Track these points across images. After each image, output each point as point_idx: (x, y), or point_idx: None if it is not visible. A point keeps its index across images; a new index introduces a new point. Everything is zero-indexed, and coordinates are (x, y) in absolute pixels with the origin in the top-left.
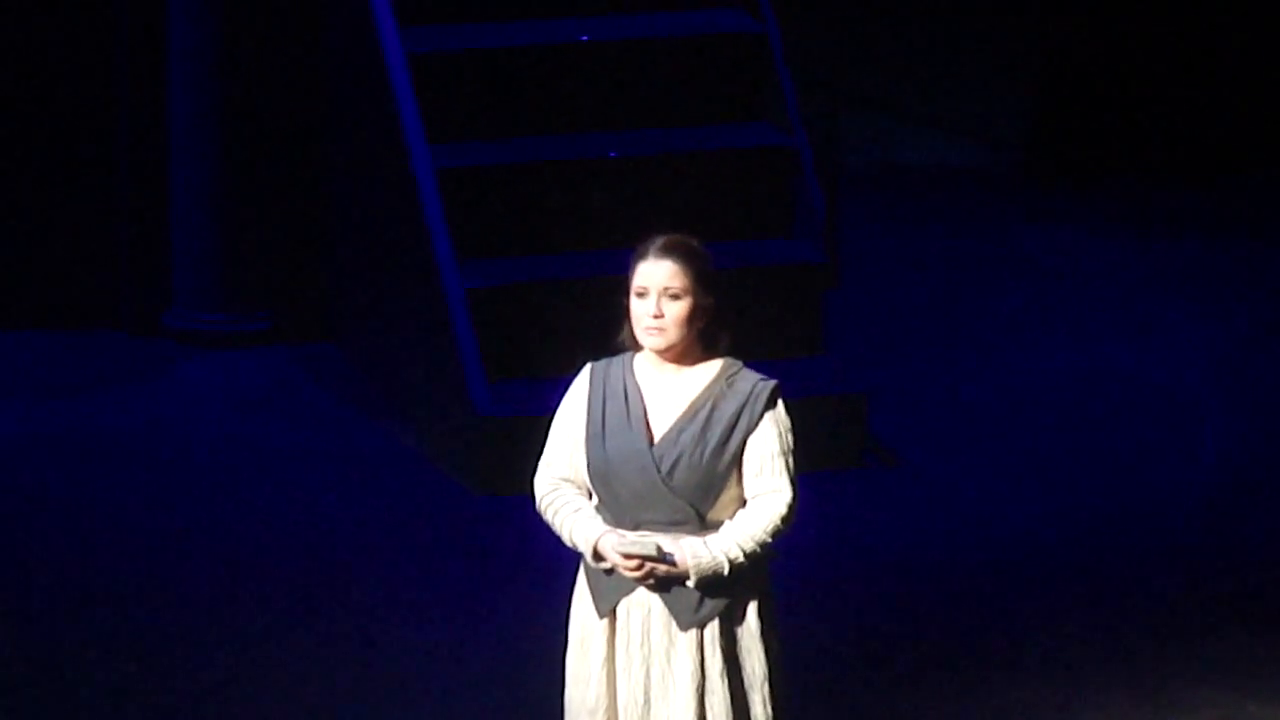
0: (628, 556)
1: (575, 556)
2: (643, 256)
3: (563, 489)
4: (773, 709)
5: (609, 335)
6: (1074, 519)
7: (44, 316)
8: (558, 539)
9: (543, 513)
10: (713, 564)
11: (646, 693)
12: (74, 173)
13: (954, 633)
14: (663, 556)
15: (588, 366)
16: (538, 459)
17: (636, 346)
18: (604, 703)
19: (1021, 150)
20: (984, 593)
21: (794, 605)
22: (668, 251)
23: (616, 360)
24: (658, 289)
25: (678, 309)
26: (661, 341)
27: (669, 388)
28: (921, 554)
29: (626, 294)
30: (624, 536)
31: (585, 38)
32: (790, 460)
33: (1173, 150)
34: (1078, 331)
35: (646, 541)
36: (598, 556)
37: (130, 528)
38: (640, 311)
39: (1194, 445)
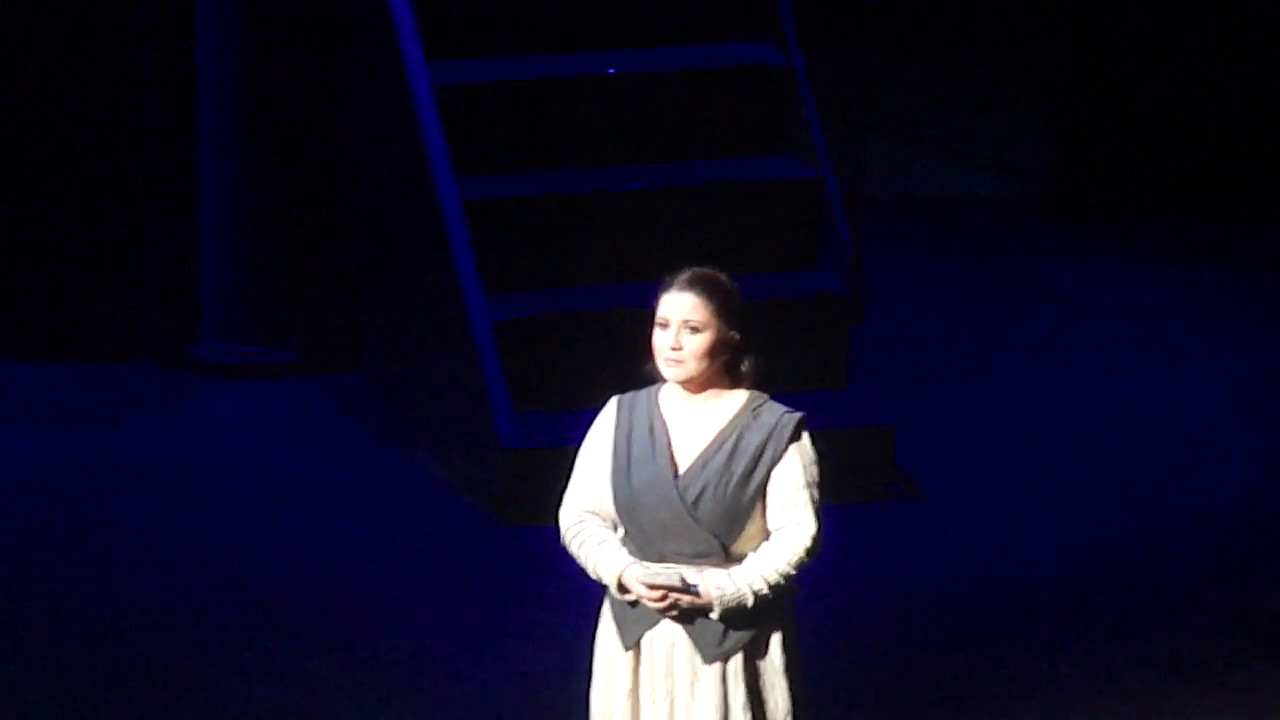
0: (652, 587)
1: (600, 589)
2: (667, 288)
3: (588, 521)
4: None
5: (634, 367)
6: (1099, 551)
7: (72, 348)
8: (583, 571)
9: (568, 545)
10: (736, 596)
11: None
12: (102, 204)
13: (980, 665)
14: (686, 587)
15: (614, 399)
16: (563, 491)
17: (663, 378)
18: None
19: (1045, 181)
20: (1010, 625)
21: (819, 637)
22: (690, 284)
23: (643, 393)
24: (678, 321)
25: (697, 342)
26: (680, 373)
27: (694, 419)
28: (947, 586)
29: (651, 325)
30: (649, 568)
31: (612, 70)
32: (815, 493)
33: (1196, 181)
34: (1102, 363)
35: (670, 573)
36: (622, 589)
37: (156, 559)
38: (661, 343)
39: (1217, 476)
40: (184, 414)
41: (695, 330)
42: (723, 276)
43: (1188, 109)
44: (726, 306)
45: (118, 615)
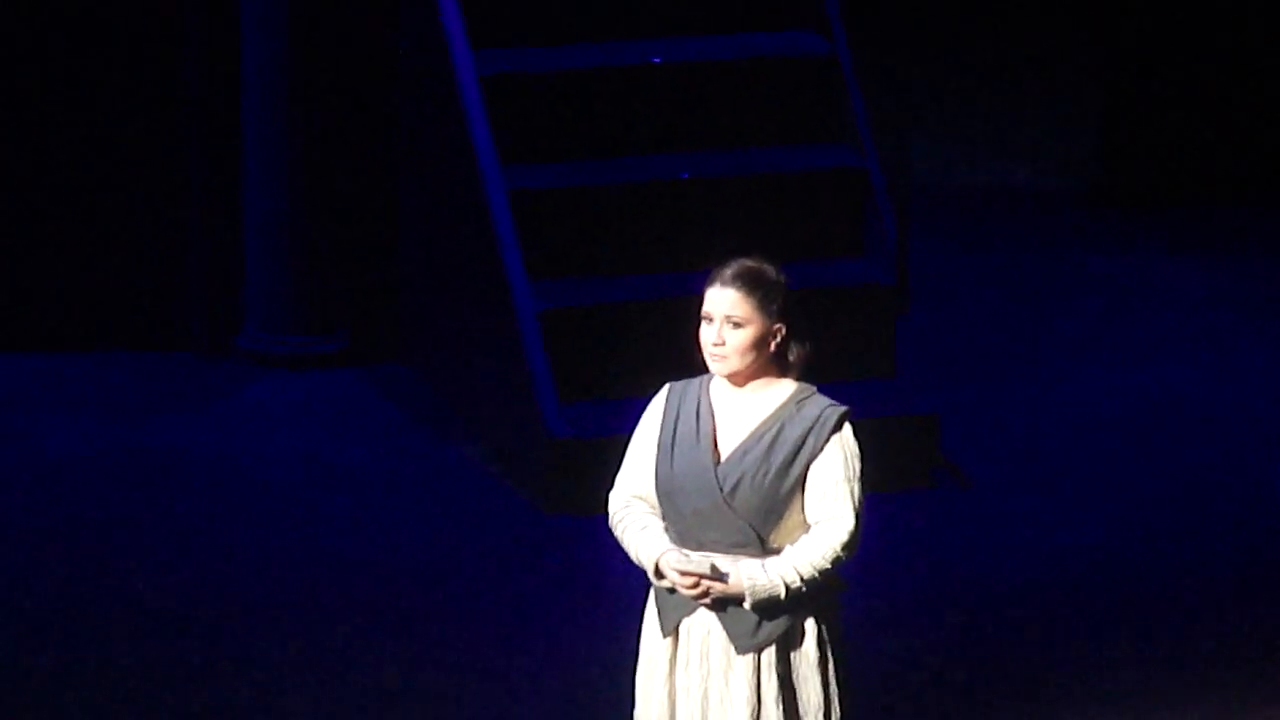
0: (684, 573)
1: (648, 577)
2: (712, 283)
3: (634, 507)
4: None
5: (681, 357)
6: (1146, 541)
7: (117, 338)
8: (628, 557)
9: (613, 529)
10: (769, 587)
11: (704, 713)
12: (147, 194)
13: (1026, 656)
14: (718, 575)
15: (666, 386)
16: (611, 480)
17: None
18: None
19: (1091, 171)
20: (1056, 615)
21: (864, 627)
22: (733, 280)
23: (695, 381)
24: (721, 316)
25: (739, 337)
26: (724, 368)
27: (740, 409)
28: (993, 576)
29: (699, 316)
30: (685, 555)
31: (657, 60)
32: (855, 488)
33: (1244, 171)
34: (1149, 353)
35: (703, 560)
36: (659, 574)
37: (203, 549)
38: (705, 337)
39: (1266, 467)
40: (230, 404)
41: (738, 325)
42: (768, 268)
43: (1234, 98)
44: (770, 300)
45: (164, 605)
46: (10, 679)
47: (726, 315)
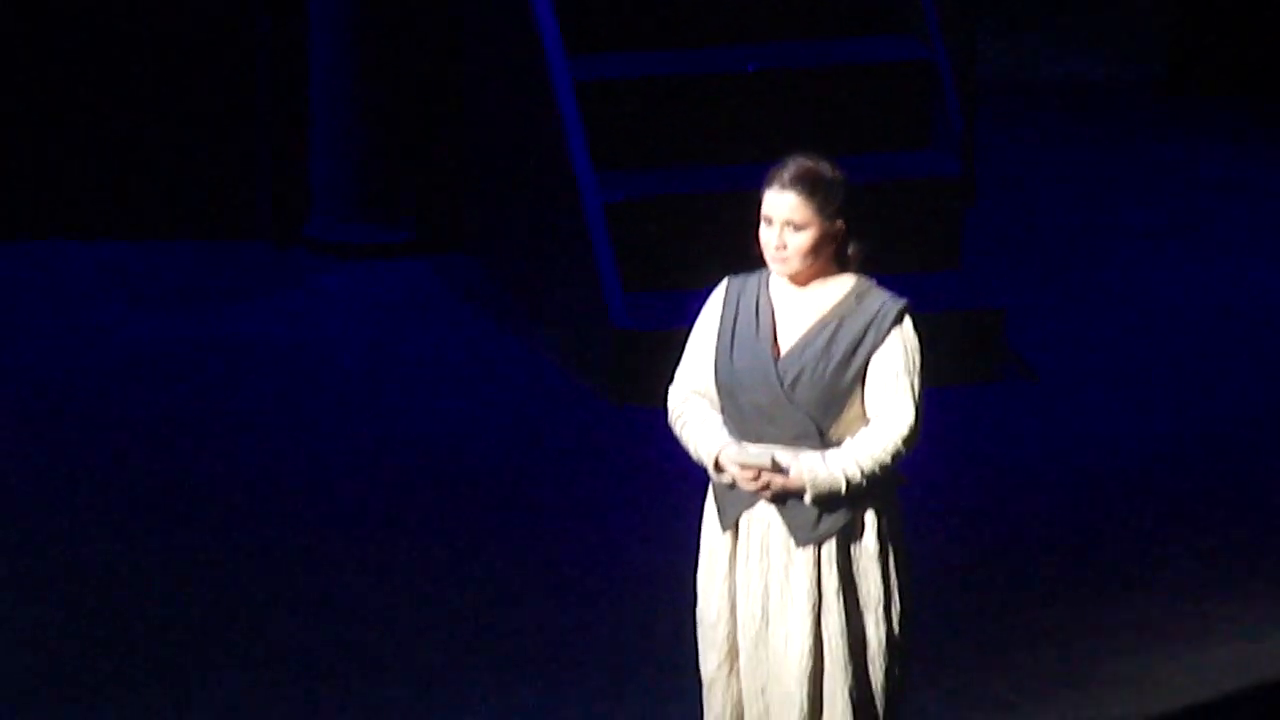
0: (744, 467)
1: (707, 471)
2: (770, 184)
3: (693, 402)
4: (886, 631)
5: (745, 249)
6: (1211, 435)
7: (186, 227)
8: (688, 451)
9: (673, 424)
10: (829, 480)
11: (764, 608)
12: (216, 84)
13: (1091, 548)
14: (778, 468)
15: (725, 280)
16: (673, 371)
17: None
18: (725, 616)
19: (1162, 63)
20: (1120, 508)
21: (928, 521)
22: (792, 184)
23: (755, 275)
24: (780, 220)
25: (800, 240)
26: (785, 270)
27: (800, 303)
28: (1056, 469)
29: (758, 215)
30: (744, 448)
31: None
32: (915, 381)
33: None
34: (1218, 247)
35: (763, 453)
36: (719, 468)
37: (269, 438)
38: (766, 239)
39: None
40: (296, 294)
41: (799, 229)
42: (825, 167)
43: None
44: (830, 200)
45: (235, 495)
46: (82, 567)
47: (787, 220)
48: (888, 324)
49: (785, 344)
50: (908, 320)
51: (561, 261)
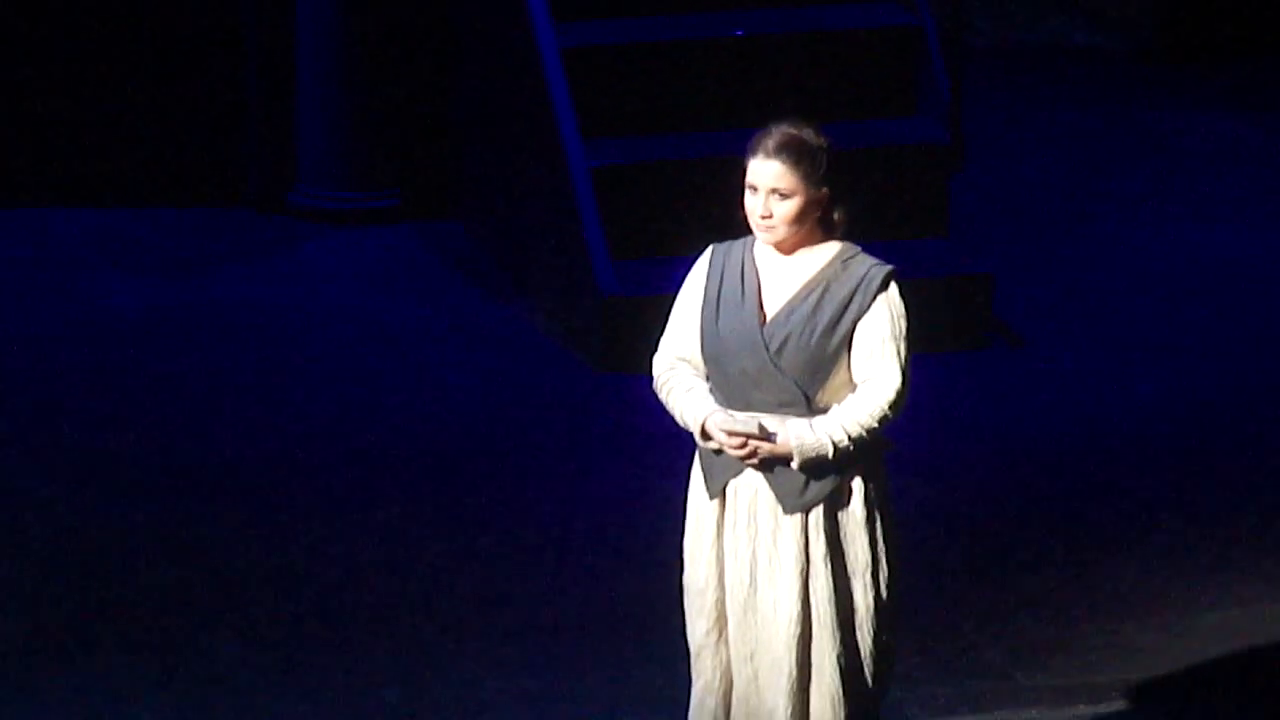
0: (731, 434)
1: (694, 436)
2: (754, 152)
3: (679, 369)
4: (874, 597)
5: (732, 215)
6: (1196, 405)
7: (171, 193)
8: (674, 418)
9: (658, 392)
10: (816, 446)
11: (753, 574)
12: (201, 51)
13: (1079, 514)
14: (765, 434)
15: (710, 247)
16: (659, 338)
17: None
18: (713, 583)
19: (1149, 29)
20: (1107, 475)
21: (914, 488)
22: (777, 152)
23: (739, 242)
24: (766, 188)
25: (786, 208)
26: (771, 237)
27: (785, 269)
28: (1043, 435)
29: (742, 181)
30: (731, 415)
31: None
32: (901, 346)
33: None
34: (1204, 213)
35: (750, 420)
36: (705, 435)
37: (253, 405)
38: (751, 207)
39: None
40: (282, 260)
41: (784, 197)
42: (809, 135)
43: None
44: (815, 168)
45: (217, 460)
46: (69, 533)
47: (772, 188)
48: (874, 289)
49: (771, 310)
50: (893, 286)
51: (548, 228)
